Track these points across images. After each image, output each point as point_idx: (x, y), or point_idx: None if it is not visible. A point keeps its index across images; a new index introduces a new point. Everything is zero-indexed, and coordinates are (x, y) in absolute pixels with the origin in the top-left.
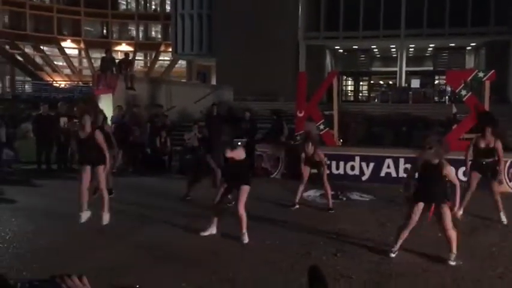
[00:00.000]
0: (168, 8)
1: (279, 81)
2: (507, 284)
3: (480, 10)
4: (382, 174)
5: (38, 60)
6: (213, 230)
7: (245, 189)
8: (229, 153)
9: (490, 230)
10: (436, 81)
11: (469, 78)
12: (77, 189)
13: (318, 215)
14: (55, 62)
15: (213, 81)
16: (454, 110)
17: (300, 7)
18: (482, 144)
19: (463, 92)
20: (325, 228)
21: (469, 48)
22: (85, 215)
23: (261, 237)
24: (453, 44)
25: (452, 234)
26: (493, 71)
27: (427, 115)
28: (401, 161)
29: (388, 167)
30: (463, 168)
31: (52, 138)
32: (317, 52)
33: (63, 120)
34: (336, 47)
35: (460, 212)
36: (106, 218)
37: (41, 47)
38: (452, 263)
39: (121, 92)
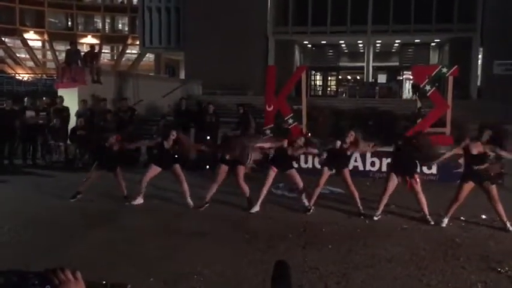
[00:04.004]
0: (135, 0)
1: (248, 75)
2: (469, 273)
3: (444, 7)
4: (350, 167)
5: None
6: (257, 207)
7: (295, 171)
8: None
9: (453, 222)
10: (401, 77)
11: (433, 74)
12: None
13: (287, 209)
14: (17, 54)
15: (182, 75)
16: (419, 104)
17: (268, 1)
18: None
19: (427, 87)
20: (293, 221)
21: (434, 44)
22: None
23: (229, 230)
24: (418, 40)
25: (422, 197)
26: (456, 66)
27: (393, 110)
28: (368, 154)
29: (356, 160)
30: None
31: (16, 133)
32: (286, 47)
33: (29, 114)
34: (305, 42)
35: (446, 221)
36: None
37: (3, 39)
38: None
39: (86, 86)
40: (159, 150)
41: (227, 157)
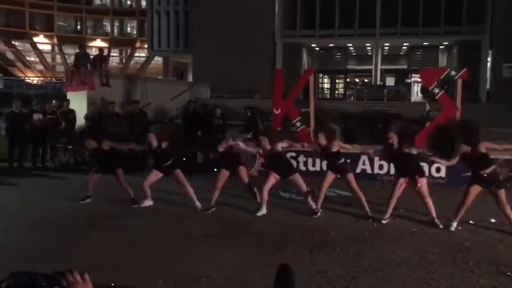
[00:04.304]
0: (144, 3)
1: (255, 78)
2: (478, 277)
3: (453, 10)
4: (358, 170)
5: (9, 55)
6: (264, 210)
7: (298, 176)
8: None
9: (462, 226)
10: (410, 80)
11: (442, 77)
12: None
13: (294, 211)
14: (27, 58)
15: (190, 78)
16: (428, 107)
17: (276, 5)
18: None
19: (436, 90)
20: (300, 224)
21: (442, 47)
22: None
23: (236, 233)
24: (427, 43)
25: (429, 201)
26: (465, 69)
27: (401, 113)
28: (376, 157)
29: (364, 163)
30: (435, 165)
31: (25, 136)
32: (294, 50)
33: (37, 116)
34: (313, 45)
35: (455, 224)
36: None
37: (13, 42)
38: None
39: (96, 89)
40: (153, 155)
41: (212, 156)
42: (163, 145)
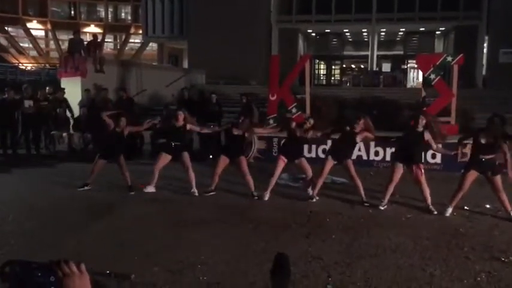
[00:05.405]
0: None
1: (251, 64)
2: (472, 263)
3: None
4: (354, 157)
5: (3, 41)
6: (266, 196)
7: (304, 160)
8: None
9: (457, 212)
10: (406, 66)
11: (438, 62)
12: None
13: (291, 198)
14: (20, 44)
15: (185, 65)
16: (423, 93)
17: None
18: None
19: (432, 76)
20: (297, 210)
21: (439, 32)
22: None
23: (233, 220)
24: (423, 29)
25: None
26: (461, 55)
27: (397, 99)
28: (372, 144)
29: (359, 150)
30: (430, 151)
31: (17, 123)
32: (289, 35)
33: (28, 103)
34: (309, 31)
35: (450, 210)
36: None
37: (6, 28)
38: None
39: (90, 75)
40: (171, 132)
41: (235, 132)
42: (188, 126)
